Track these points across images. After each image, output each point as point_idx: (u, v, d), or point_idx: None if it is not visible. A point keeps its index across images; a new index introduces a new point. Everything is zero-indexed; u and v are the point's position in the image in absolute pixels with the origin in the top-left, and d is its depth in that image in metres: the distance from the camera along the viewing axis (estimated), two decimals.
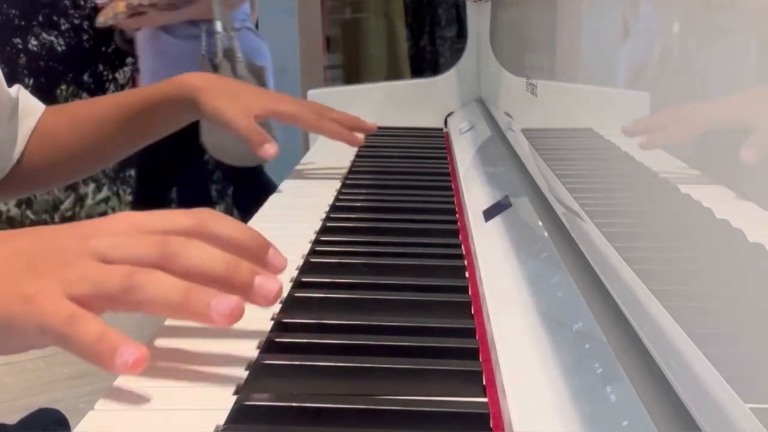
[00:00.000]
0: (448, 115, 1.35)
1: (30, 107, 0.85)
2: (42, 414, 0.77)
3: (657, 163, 0.43)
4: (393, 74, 3.42)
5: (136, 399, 0.39)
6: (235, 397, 0.39)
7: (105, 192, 3.44)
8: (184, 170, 2.78)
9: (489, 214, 0.68)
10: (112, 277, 0.40)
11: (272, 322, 0.48)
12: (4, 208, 3.34)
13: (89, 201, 3.44)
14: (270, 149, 0.85)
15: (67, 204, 3.42)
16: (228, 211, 3.57)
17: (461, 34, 3.42)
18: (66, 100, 3.37)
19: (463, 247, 0.64)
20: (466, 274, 0.58)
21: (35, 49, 3.36)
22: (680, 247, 0.39)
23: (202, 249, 0.43)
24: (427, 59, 3.76)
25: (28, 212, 3.36)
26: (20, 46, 3.33)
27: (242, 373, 0.42)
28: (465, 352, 0.44)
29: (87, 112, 0.89)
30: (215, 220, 0.46)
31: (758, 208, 0.30)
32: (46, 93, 3.34)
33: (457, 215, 0.74)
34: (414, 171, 0.96)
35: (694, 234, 0.37)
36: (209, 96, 0.86)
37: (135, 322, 0.55)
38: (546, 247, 0.54)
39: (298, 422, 0.38)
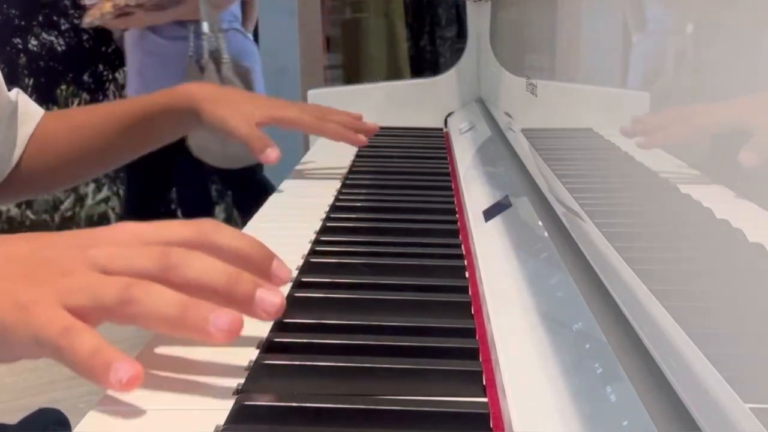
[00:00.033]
0: (448, 115, 1.35)
1: (29, 112, 0.85)
2: (42, 414, 0.77)
3: (657, 163, 0.43)
4: (393, 74, 3.42)
5: (136, 399, 0.39)
6: (235, 397, 0.39)
7: (105, 192, 3.44)
8: (183, 170, 2.78)
9: (489, 214, 0.68)
10: (110, 288, 0.40)
11: (272, 322, 0.48)
12: (4, 208, 3.34)
13: (89, 201, 3.44)
14: (271, 154, 0.86)
15: (67, 204, 3.42)
16: (228, 211, 3.57)
17: (461, 34, 3.42)
18: (66, 100, 3.37)
19: (463, 247, 0.64)
20: (466, 274, 0.58)
21: (35, 49, 3.36)
22: (680, 247, 0.39)
23: (203, 261, 0.42)
24: (427, 59, 3.76)
25: (28, 212, 3.36)
26: (20, 46, 3.33)
27: (242, 373, 0.42)
28: (465, 352, 0.44)
29: (86, 119, 0.89)
30: (217, 230, 0.45)
31: (758, 208, 0.30)
32: (46, 93, 3.35)
33: (457, 215, 0.74)
34: (414, 171, 0.96)
35: (694, 234, 0.37)
36: (210, 105, 0.86)
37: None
38: (546, 247, 0.54)
39: (298, 422, 0.38)
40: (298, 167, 1.00)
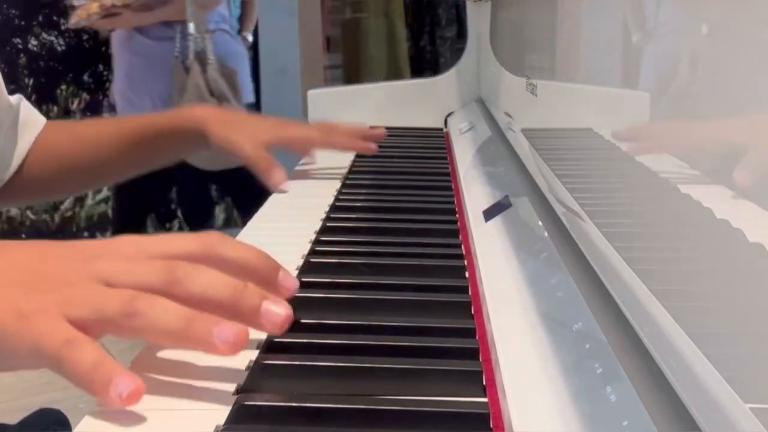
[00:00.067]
0: (448, 115, 1.35)
1: (31, 120, 0.85)
2: (42, 414, 0.77)
3: (657, 163, 0.43)
4: (393, 74, 3.42)
5: None
6: (235, 397, 0.39)
7: (105, 192, 3.43)
8: (183, 170, 2.78)
9: (489, 214, 0.68)
10: (114, 301, 0.39)
11: None
12: (3, 208, 3.34)
13: (89, 201, 3.44)
14: (277, 175, 0.86)
15: (67, 204, 3.42)
16: (228, 211, 3.57)
17: (461, 34, 3.42)
18: (66, 100, 3.37)
19: (463, 247, 0.64)
20: (466, 274, 0.58)
21: (35, 49, 3.35)
22: (680, 247, 0.39)
23: (208, 274, 0.42)
24: (427, 59, 3.76)
25: (28, 212, 3.36)
26: (20, 46, 3.33)
27: (242, 373, 0.42)
28: (465, 352, 0.44)
29: (91, 131, 0.90)
30: (222, 243, 0.45)
31: (758, 208, 0.30)
32: (46, 93, 3.34)
33: (457, 215, 0.74)
34: (414, 171, 0.96)
35: (694, 234, 0.37)
36: (218, 126, 0.88)
37: None
38: (546, 247, 0.54)
39: (298, 422, 0.38)
40: (298, 167, 1.00)
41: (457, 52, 1.46)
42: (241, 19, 3.42)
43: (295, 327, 0.45)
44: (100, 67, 3.41)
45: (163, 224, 3.64)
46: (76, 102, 3.37)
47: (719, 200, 0.34)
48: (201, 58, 2.56)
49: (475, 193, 0.77)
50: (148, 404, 0.38)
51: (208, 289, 0.41)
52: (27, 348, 0.38)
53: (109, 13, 2.55)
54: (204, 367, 0.43)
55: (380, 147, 1.09)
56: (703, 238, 0.35)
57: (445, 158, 1.03)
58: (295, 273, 0.57)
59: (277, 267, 0.46)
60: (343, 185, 0.88)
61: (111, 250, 0.43)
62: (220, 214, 3.60)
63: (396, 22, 3.52)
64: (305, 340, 0.45)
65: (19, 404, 1.97)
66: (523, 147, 0.80)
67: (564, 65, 0.71)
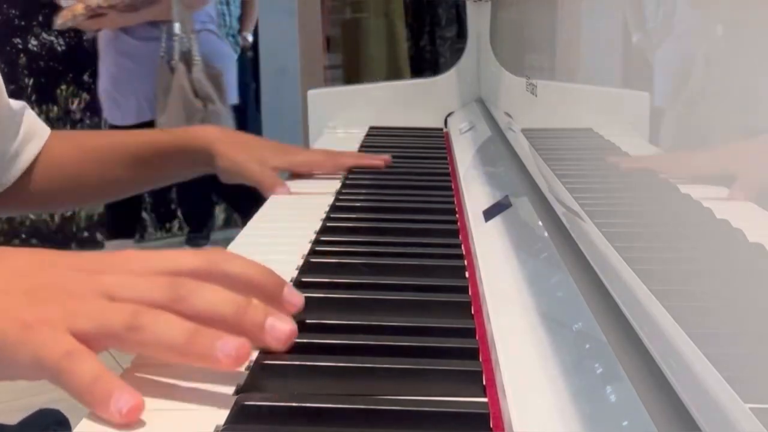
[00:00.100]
0: (448, 115, 1.35)
1: (36, 130, 0.85)
2: (42, 414, 0.77)
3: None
4: (393, 74, 3.42)
5: None
6: (235, 397, 0.39)
7: None
8: None
9: (489, 214, 0.68)
10: (117, 314, 0.39)
11: None
12: (3, 215, 3.34)
13: None
14: (281, 193, 0.87)
15: None
16: (228, 211, 3.57)
17: (461, 34, 3.42)
18: (66, 100, 3.37)
19: (463, 247, 0.64)
20: (466, 274, 0.58)
21: (35, 49, 3.35)
22: (680, 247, 0.39)
23: (212, 291, 0.42)
24: (427, 59, 3.76)
25: (28, 213, 3.36)
26: (20, 46, 3.33)
27: (242, 373, 0.42)
28: (465, 352, 0.44)
29: (97, 145, 0.90)
30: (227, 259, 0.45)
31: (758, 208, 0.30)
32: (46, 93, 3.34)
33: (457, 215, 0.74)
34: (414, 171, 0.96)
35: (694, 234, 0.37)
36: (225, 148, 0.89)
37: None
38: (546, 247, 0.54)
39: (298, 422, 0.38)
40: None
41: (457, 52, 1.46)
42: (241, 19, 3.42)
43: (295, 324, 0.45)
44: None
45: (163, 224, 3.64)
46: (76, 102, 3.37)
47: (719, 200, 0.34)
48: (186, 58, 2.55)
49: (475, 193, 0.77)
50: (148, 404, 0.38)
51: (212, 305, 0.41)
52: (27, 358, 0.38)
53: (94, 14, 2.55)
54: (204, 368, 0.43)
55: (380, 147, 1.09)
56: (703, 238, 0.35)
57: (445, 158, 1.03)
58: (295, 273, 0.58)
59: (282, 283, 0.46)
60: (343, 185, 0.88)
61: (115, 265, 0.43)
62: (220, 214, 3.60)
63: (396, 22, 3.52)
64: (305, 340, 0.45)
65: (19, 404, 1.97)
66: (523, 147, 0.80)
67: (564, 65, 0.71)
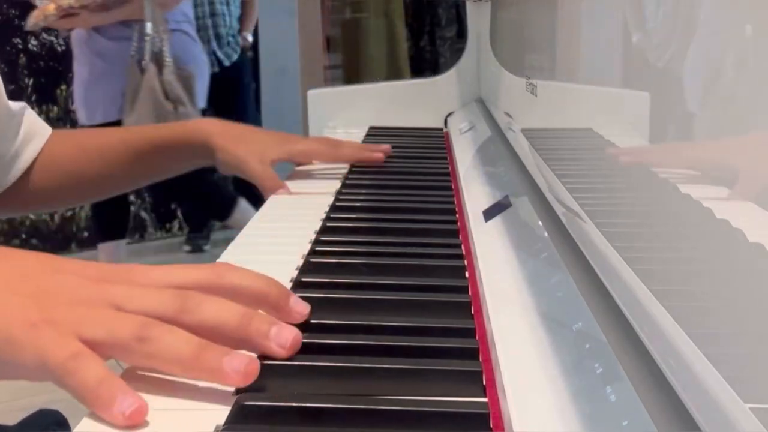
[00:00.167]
0: (448, 115, 1.35)
1: (37, 129, 0.85)
2: (42, 415, 0.77)
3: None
4: (393, 74, 3.42)
5: None
6: (235, 397, 0.39)
7: None
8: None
9: (489, 214, 0.68)
10: (127, 324, 0.39)
11: None
12: (3, 216, 3.34)
13: None
14: (282, 194, 0.86)
15: None
16: None
17: (461, 34, 3.42)
18: (66, 100, 3.37)
19: (463, 247, 0.64)
20: (466, 274, 0.58)
21: (35, 49, 3.36)
22: (680, 247, 0.39)
23: (218, 303, 0.42)
24: (427, 59, 3.76)
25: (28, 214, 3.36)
26: (20, 46, 3.33)
27: None
28: (465, 352, 0.44)
29: (96, 142, 0.90)
30: (232, 272, 0.45)
31: (758, 208, 0.30)
32: (46, 93, 3.34)
33: (457, 215, 0.74)
34: (414, 171, 0.96)
35: (694, 234, 0.37)
36: (224, 141, 0.88)
37: None
38: (546, 247, 0.54)
39: (298, 422, 0.38)
40: (298, 167, 1.00)
41: (457, 52, 1.46)
42: (241, 19, 3.42)
43: (295, 327, 0.45)
44: None
45: (163, 224, 3.64)
46: None
47: (719, 200, 0.34)
48: (158, 58, 2.52)
49: (475, 193, 0.77)
50: (148, 404, 0.38)
51: (218, 317, 0.41)
52: (32, 358, 0.38)
53: (66, 14, 2.53)
54: None
55: None
56: (703, 238, 0.35)
57: (445, 158, 1.03)
58: (295, 273, 0.58)
59: (287, 293, 0.46)
60: (343, 185, 0.88)
61: (123, 276, 0.43)
62: None
63: (396, 22, 3.52)
64: (305, 340, 0.45)
65: (18, 404, 1.97)
66: (523, 147, 0.80)
67: (564, 65, 0.71)
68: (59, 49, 3.36)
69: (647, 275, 0.39)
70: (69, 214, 3.43)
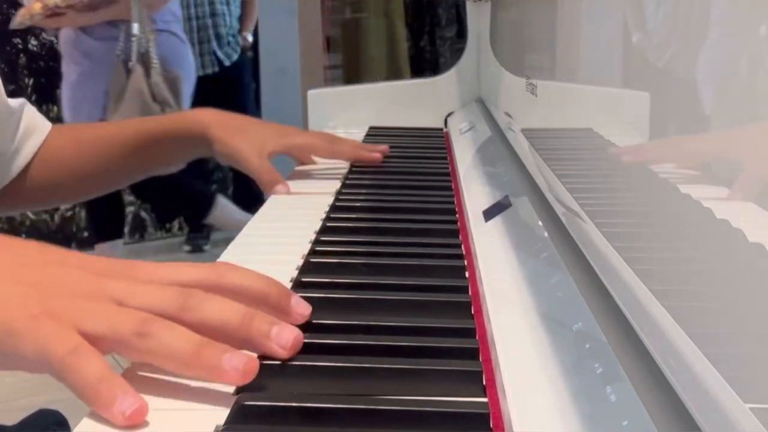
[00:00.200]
0: (448, 115, 1.35)
1: (36, 125, 0.85)
2: (42, 415, 0.77)
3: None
4: (393, 74, 3.42)
5: None
6: (235, 397, 0.39)
7: None
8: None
9: (489, 214, 0.68)
10: (128, 320, 0.39)
11: None
12: (2, 214, 3.34)
13: None
14: (281, 191, 0.86)
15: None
16: None
17: (461, 34, 3.42)
18: None
19: (463, 247, 0.64)
20: (466, 274, 0.58)
21: (35, 49, 3.35)
22: (680, 247, 0.39)
23: (219, 302, 0.42)
24: (427, 59, 3.76)
25: (28, 212, 3.36)
26: (20, 46, 3.33)
27: None
28: (465, 352, 0.44)
29: (95, 136, 0.90)
30: (233, 271, 0.45)
31: (758, 208, 0.30)
32: (46, 93, 3.34)
33: (457, 215, 0.74)
34: (414, 171, 0.96)
35: (694, 234, 0.37)
36: (221, 132, 0.88)
37: None
38: (546, 247, 0.54)
39: (298, 422, 0.38)
40: (298, 167, 1.00)
41: (457, 52, 1.46)
42: (241, 19, 3.42)
43: (295, 327, 0.45)
44: None
45: (163, 224, 3.64)
46: None
47: (719, 200, 0.34)
48: (144, 59, 2.50)
49: (475, 193, 0.77)
50: (148, 404, 0.38)
51: (219, 315, 0.41)
52: (32, 350, 0.38)
53: (53, 13, 2.52)
54: None
55: None
56: (703, 238, 0.35)
57: (445, 158, 1.03)
58: (295, 273, 0.58)
59: (288, 293, 0.46)
60: (343, 185, 0.88)
61: (125, 272, 0.43)
62: None
63: (396, 22, 3.52)
64: (305, 340, 0.45)
65: (19, 404, 1.97)
66: (523, 147, 0.80)
67: (564, 65, 0.71)
68: (59, 49, 3.36)
69: (647, 275, 0.39)
70: (69, 213, 3.44)
